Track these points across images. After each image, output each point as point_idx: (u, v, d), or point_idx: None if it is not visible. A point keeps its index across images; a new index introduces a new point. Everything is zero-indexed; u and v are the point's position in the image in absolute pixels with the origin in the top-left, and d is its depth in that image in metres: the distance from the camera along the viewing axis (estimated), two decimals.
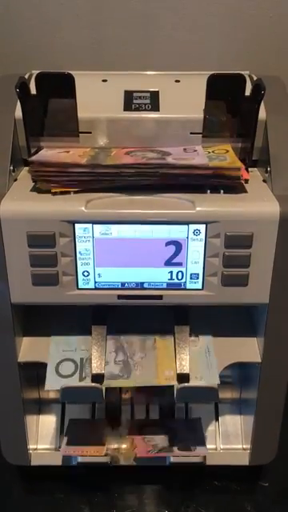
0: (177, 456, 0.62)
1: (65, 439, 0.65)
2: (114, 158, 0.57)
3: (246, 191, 0.56)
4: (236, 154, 0.59)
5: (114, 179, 0.55)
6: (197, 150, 0.59)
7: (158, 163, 0.55)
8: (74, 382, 0.59)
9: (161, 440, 0.65)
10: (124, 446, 0.66)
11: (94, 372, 0.59)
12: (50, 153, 0.59)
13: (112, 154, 0.58)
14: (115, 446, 0.65)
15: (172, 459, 0.62)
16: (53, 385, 0.58)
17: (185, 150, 0.60)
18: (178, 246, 0.55)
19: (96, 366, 0.59)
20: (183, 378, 0.58)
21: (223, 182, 0.55)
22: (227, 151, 0.59)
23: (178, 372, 0.59)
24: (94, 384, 0.57)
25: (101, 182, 0.55)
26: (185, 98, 0.61)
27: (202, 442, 0.65)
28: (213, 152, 0.59)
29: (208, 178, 0.55)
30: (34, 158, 0.57)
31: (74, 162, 0.55)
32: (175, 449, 0.63)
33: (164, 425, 0.68)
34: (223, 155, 0.58)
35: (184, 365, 0.59)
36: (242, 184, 0.56)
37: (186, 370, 0.59)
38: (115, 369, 0.59)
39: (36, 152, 0.59)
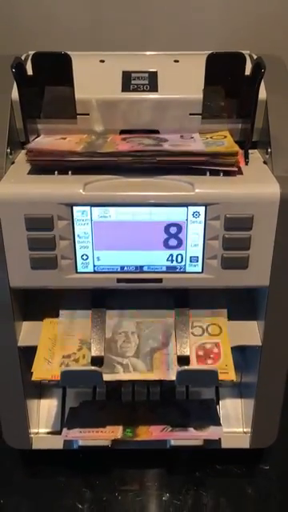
0: (177, 439, 0.62)
1: (66, 423, 0.65)
2: (110, 144, 0.56)
3: (242, 173, 0.55)
4: (236, 136, 0.59)
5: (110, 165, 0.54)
6: (193, 137, 0.59)
7: (154, 150, 0.54)
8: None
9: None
10: (134, 426, 0.64)
11: (93, 355, 0.58)
12: (47, 140, 0.58)
13: (108, 139, 0.58)
14: (124, 427, 0.64)
15: (173, 442, 0.62)
16: None
17: (181, 136, 0.59)
18: (177, 228, 0.54)
19: (95, 349, 0.59)
20: (183, 360, 0.58)
21: (220, 169, 0.54)
22: (225, 137, 0.58)
23: (179, 354, 0.58)
24: (93, 367, 0.57)
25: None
26: (184, 79, 0.60)
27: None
28: (211, 138, 0.58)
29: (205, 164, 0.54)
30: (30, 145, 0.56)
31: (71, 150, 0.55)
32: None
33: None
34: (221, 140, 0.57)
35: (184, 347, 0.59)
36: (239, 168, 0.55)
37: (186, 353, 0.58)
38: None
39: (34, 139, 0.58)
